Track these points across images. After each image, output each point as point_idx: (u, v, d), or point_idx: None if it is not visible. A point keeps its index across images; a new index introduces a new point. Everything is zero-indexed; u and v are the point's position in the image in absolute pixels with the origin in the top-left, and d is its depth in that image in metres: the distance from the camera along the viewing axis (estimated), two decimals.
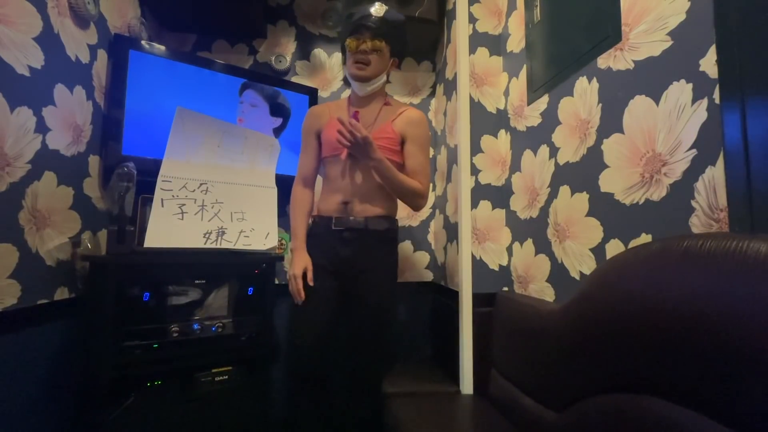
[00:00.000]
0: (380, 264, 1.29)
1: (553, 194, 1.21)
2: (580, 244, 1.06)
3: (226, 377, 1.34)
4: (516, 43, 1.48)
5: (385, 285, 1.30)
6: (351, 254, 1.27)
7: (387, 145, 1.28)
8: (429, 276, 2.01)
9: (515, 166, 1.46)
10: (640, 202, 0.86)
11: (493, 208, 1.54)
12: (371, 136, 1.18)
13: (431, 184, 2.05)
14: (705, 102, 0.72)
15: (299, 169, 1.41)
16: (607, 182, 0.97)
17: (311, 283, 1.22)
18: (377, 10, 1.25)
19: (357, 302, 1.28)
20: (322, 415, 1.28)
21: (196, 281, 1.37)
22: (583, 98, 1.07)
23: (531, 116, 1.35)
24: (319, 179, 1.45)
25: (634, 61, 0.89)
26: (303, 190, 1.39)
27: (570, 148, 1.12)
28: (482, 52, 1.60)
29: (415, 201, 1.30)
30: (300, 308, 1.27)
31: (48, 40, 1.11)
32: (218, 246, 1.36)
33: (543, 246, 1.25)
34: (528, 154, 1.37)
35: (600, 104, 1.00)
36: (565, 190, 1.14)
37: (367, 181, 1.29)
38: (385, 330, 1.31)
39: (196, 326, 1.32)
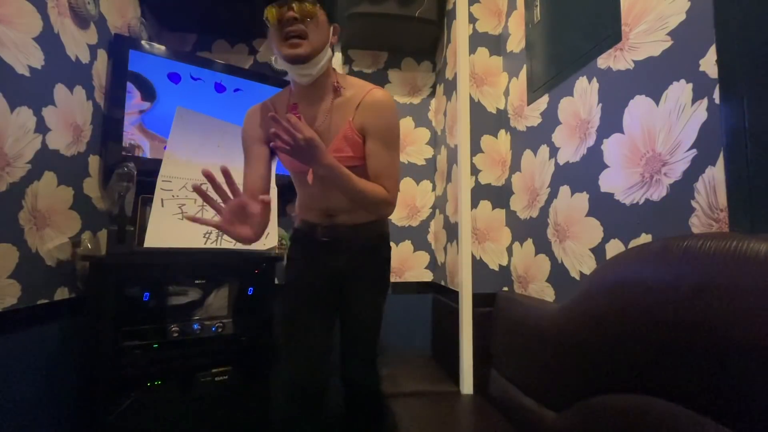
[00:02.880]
0: (371, 272, 1.15)
1: (553, 194, 1.21)
2: (580, 244, 1.06)
3: (226, 377, 1.34)
4: (516, 43, 1.48)
5: (375, 289, 1.18)
6: (340, 265, 1.11)
7: (351, 153, 1.02)
8: (429, 276, 2.01)
9: (515, 166, 1.46)
10: (640, 202, 0.86)
11: (493, 208, 1.54)
12: (327, 147, 0.97)
13: (431, 184, 2.05)
14: (705, 102, 0.72)
15: (244, 184, 1.04)
16: (607, 182, 0.97)
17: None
18: None
19: (348, 309, 1.17)
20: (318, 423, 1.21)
21: (196, 281, 1.37)
22: (583, 98, 1.07)
23: (531, 116, 1.35)
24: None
25: (634, 61, 0.89)
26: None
27: (570, 148, 1.12)
28: (482, 52, 1.60)
29: (379, 210, 1.05)
30: (291, 324, 1.13)
31: (48, 40, 1.11)
32: (218, 246, 1.36)
33: (543, 246, 1.25)
34: (528, 154, 1.37)
35: (600, 104, 1.00)
36: (565, 190, 1.14)
37: (336, 191, 1.03)
38: (374, 335, 1.21)
39: (196, 326, 1.32)
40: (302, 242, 1.15)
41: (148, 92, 1.52)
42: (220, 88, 1.66)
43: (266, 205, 0.87)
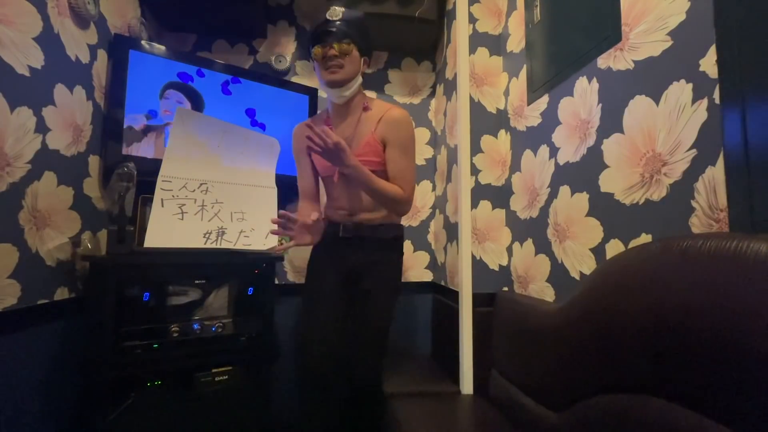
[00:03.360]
0: (385, 270, 1.31)
1: (553, 194, 1.21)
2: (580, 244, 1.06)
3: (226, 377, 1.34)
4: (516, 43, 1.48)
5: (388, 287, 1.32)
6: (357, 260, 1.28)
7: (373, 158, 1.25)
8: (429, 276, 2.01)
9: (515, 166, 1.46)
10: (640, 202, 0.86)
11: (493, 208, 1.54)
12: (354, 152, 1.18)
13: (431, 184, 2.05)
14: (705, 102, 0.72)
15: (299, 189, 1.39)
16: (607, 182, 0.97)
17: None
18: (332, 13, 1.21)
19: (361, 303, 1.29)
20: (328, 415, 1.28)
21: (196, 281, 1.37)
22: (583, 98, 1.07)
23: (531, 116, 1.35)
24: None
25: (634, 61, 0.89)
26: (309, 204, 1.37)
27: (570, 148, 1.12)
28: (482, 52, 1.60)
29: (397, 207, 1.27)
30: (309, 314, 1.30)
31: (48, 40, 1.11)
32: (218, 246, 1.36)
33: (543, 246, 1.25)
34: (528, 154, 1.37)
35: (600, 104, 1.00)
36: (565, 190, 1.14)
37: (358, 192, 1.28)
38: (383, 332, 1.32)
39: (196, 326, 1.32)
40: (324, 239, 1.29)
41: (198, 102, 1.59)
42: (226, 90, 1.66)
43: (316, 219, 1.14)
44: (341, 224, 1.29)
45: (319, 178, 1.40)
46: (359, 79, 1.28)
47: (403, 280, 2.00)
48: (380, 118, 1.27)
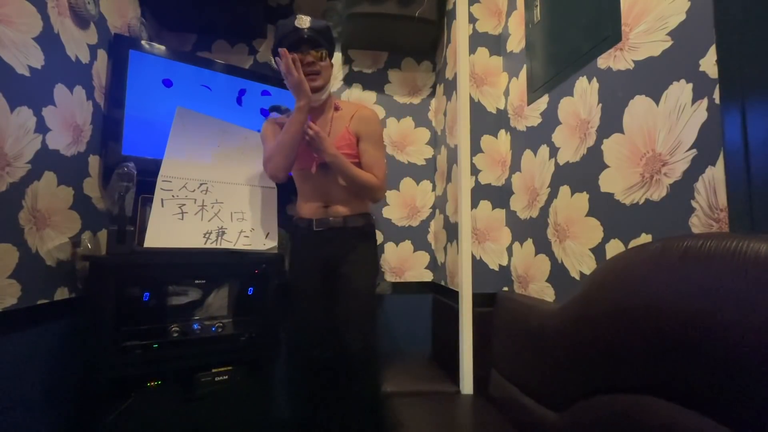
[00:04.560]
0: (360, 255, 1.35)
1: (553, 194, 1.21)
2: (580, 244, 1.06)
3: (226, 377, 1.34)
4: (516, 43, 1.48)
5: (365, 270, 1.36)
6: (333, 251, 1.33)
7: (347, 151, 1.33)
8: (429, 276, 2.01)
9: (515, 166, 1.46)
10: (640, 202, 0.86)
11: (493, 208, 1.54)
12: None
13: (431, 184, 2.05)
14: (705, 102, 0.72)
15: (268, 150, 1.38)
16: (607, 182, 0.97)
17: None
18: (302, 21, 1.29)
19: (342, 288, 1.33)
20: (325, 408, 1.29)
21: (196, 281, 1.37)
22: (583, 98, 1.07)
23: (531, 116, 1.35)
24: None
25: (634, 61, 0.89)
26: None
27: (570, 148, 1.12)
28: (482, 52, 1.60)
29: (372, 194, 1.36)
30: (294, 311, 1.35)
31: (48, 40, 1.11)
32: (218, 246, 1.36)
33: (543, 246, 1.25)
34: (528, 154, 1.37)
35: (600, 104, 1.00)
36: (565, 190, 1.14)
37: (339, 186, 1.34)
38: (369, 309, 1.36)
39: (196, 326, 1.32)
40: (299, 236, 1.39)
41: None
42: (168, 83, 1.59)
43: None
44: (314, 219, 1.34)
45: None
46: (331, 82, 1.42)
47: (402, 280, 2.02)
48: (352, 115, 1.38)
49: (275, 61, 1.30)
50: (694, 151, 0.74)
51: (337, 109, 1.42)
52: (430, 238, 2.04)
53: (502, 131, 1.56)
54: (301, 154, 1.32)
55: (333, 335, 1.29)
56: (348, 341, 1.27)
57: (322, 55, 1.32)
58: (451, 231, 1.69)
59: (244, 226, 1.44)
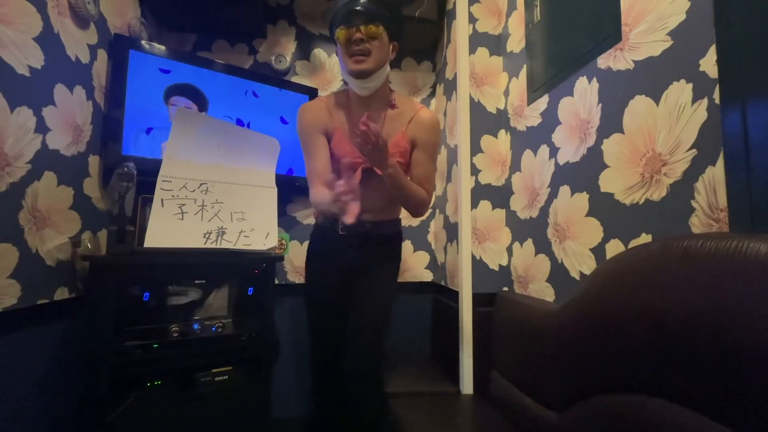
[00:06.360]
0: (382, 272, 1.25)
1: (553, 194, 1.21)
2: (580, 244, 1.06)
3: (226, 377, 1.34)
4: (516, 43, 1.47)
5: (386, 280, 1.27)
6: (357, 257, 1.22)
7: (400, 159, 1.16)
8: (429, 276, 2.01)
9: (515, 166, 1.46)
10: (640, 202, 0.86)
11: (493, 208, 1.54)
12: None
13: None
14: (705, 102, 0.72)
15: (314, 173, 1.17)
16: (607, 182, 0.97)
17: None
18: None
19: (357, 303, 1.24)
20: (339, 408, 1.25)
21: (196, 281, 1.37)
22: (583, 98, 1.07)
23: (531, 116, 1.35)
24: None
25: (634, 61, 0.89)
26: (324, 188, 1.10)
27: (570, 148, 1.12)
28: (482, 52, 1.60)
29: (420, 208, 1.20)
30: (313, 316, 1.28)
31: (48, 40, 1.11)
32: (218, 246, 1.36)
33: (543, 246, 1.25)
34: (528, 154, 1.37)
35: (600, 104, 1.00)
36: (565, 190, 1.14)
37: (373, 190, 1.16)
38: (383, 324, 1.25)
39: (196, 326, 1.32)
40: (322, 236, 1.26)
41: (203, 102, 1.61)
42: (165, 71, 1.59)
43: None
44: (339, 222, 1.19)
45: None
46: (387, 69, 1.14)
47: (402, 280, 2.02)
48: (411, 118, 1.18)
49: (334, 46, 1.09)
50: (694, 151, 0.74)
51: (392, 106, 1.19)
52: (430, 238, 2.04)
53: (502, 131, 1.56)
54: (350, 152, 1.13)
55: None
56: (354, 360, 1.20)
57: (376, 31, 1.07)
58: (451, 231, 1.69)
59: (244, 226, 1.44)
